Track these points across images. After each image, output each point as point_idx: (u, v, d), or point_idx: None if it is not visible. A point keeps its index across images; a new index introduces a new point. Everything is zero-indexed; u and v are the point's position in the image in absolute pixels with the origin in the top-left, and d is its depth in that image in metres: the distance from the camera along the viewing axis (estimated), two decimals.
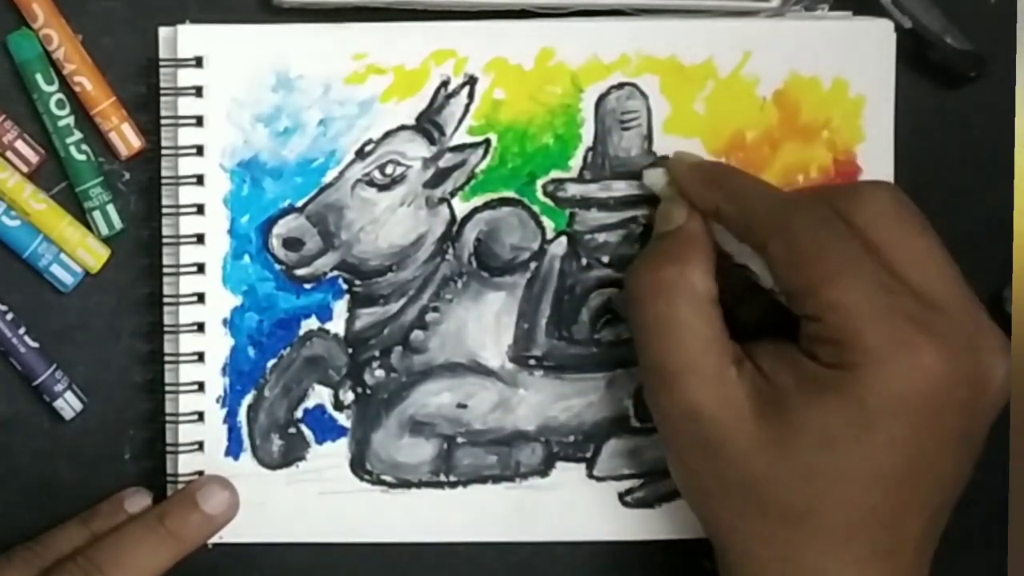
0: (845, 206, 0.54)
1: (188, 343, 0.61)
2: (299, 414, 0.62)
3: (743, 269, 0.56)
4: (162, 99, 0.61)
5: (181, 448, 0.61)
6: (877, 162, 0.62)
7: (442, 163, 0.61)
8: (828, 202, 0.54)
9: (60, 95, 0.61)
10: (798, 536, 0.52)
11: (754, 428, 0.53)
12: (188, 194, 0.61)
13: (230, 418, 0.62)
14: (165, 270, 0.61)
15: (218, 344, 0.61)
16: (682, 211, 0.57)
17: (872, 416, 0.50)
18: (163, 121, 0.61)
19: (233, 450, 0.62)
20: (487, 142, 0.61)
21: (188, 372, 0.61)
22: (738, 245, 0.56)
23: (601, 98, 0.61)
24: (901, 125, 0.62)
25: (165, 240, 0.61)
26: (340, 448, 0.62)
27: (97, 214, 0.61)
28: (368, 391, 0.62)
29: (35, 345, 0.62)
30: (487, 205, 0.62)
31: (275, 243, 0.61)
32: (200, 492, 0.61)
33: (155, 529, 0.60)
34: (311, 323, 0.62)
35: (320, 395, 0.62)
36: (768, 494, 0.52)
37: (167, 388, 0.62)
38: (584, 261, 0.62)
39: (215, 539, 0.62)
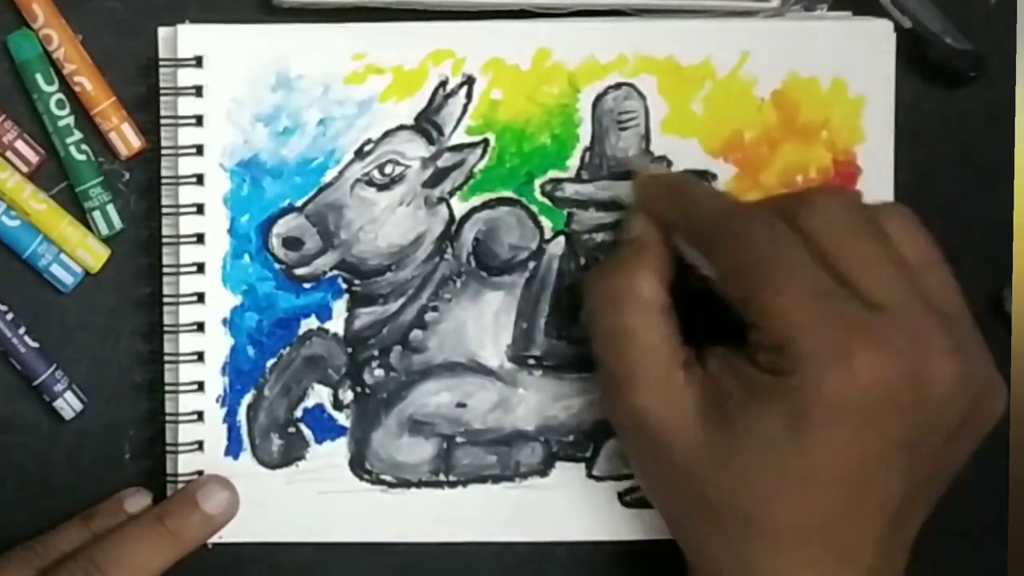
0: (795, 213, 0.53)
1: (188, 343, 0.61)
2: (299, 414, 0.62)
3: (707, 280, 0.56)
4: (162, 99, 0.61)
5: (181, 448, 0.62)
6: (877, 162, 0.62)
7: (441, 163, 0.61)
8: (778, 209, 0.54)
9: (60, 95, 0.61)
10: (748, 540, 0.52)
11: (698, 431, 0.53)
12: (188, 194, 0.61)
13: (230, 418, 0.62)
14: (165, 270, 0.61)
15: (218, 344, 0.61)
16: (640, 222, 0.58)
17: (808, 421, 0.50)
18: (163, 121, 0.61)
19: (233, 450, 0.62)
20: (485, 142, 0.61)
21: (188, 372, 0.61)
22: (699, 256, 0.56)
23: (598, 98, 0.61)
24: (901, 125, 0.62)
25: (165, 240, 0.61)
26: (339, 448, 0.62)
27: (97, 214, 0.62)
28: (367, 391, 0.62)
29: (35, 345, 0.62)
30: (485, 205, 0.62)
31: (275, 243, 0.61)
32: (200, 492, 0.61)
33: (155, 529, 0.60)
34: (311, 322, 0.62)
35: (319, 395, 0.62)
36: (716, 498, 0.53)
37: (167, 388, 0.62)
38: (582, 260, 0.62)
39: (215, 539, 0.62)
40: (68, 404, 0.62)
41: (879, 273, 0.52)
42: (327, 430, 0.62)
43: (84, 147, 0.61)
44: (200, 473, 0.62)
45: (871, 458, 0.51)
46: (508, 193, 0.62)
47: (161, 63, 0.61)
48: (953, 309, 0.54)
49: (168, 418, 0.62)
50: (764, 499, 0.52)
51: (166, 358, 0.62)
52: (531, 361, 0.62)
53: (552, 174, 0.62)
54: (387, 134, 0.61)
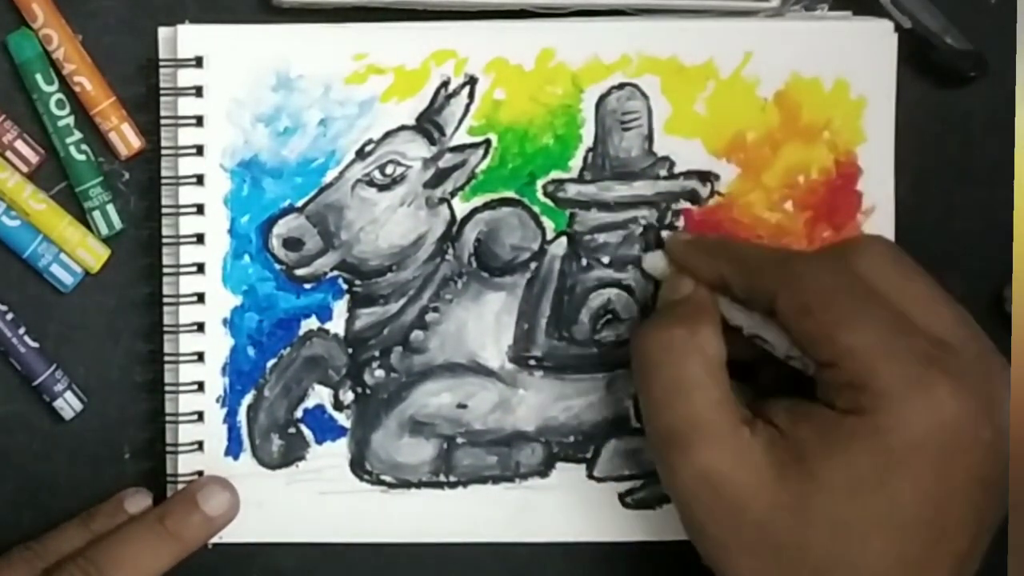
0: (845, 256, 0.54)
1: (188, 343, 0.61)
2: (299, 414, 0.62)
3: (754, 339, 0.56)
4: (162, 99, 0.61)
5: (181, 448, 0.61)
6: (878, 162, 0.62)
7: (442, 163, 0.61)
8: (828, 254, 0.55)
9: (60, 95, 0.61)
10: None
11: (775, 487, 0.52)
12: (188, 194, 0.61)
13: (230, 418, 0.62)
14: (165, 270, 0.61)
15: (218, 344, 0.61)
16: (688, 283, 0.58)
17: (895, 457, 0.50)
18: (163, 121, 0.61)
19: (233, 450, 0.62)
20: (487, 142, 0.61)
21: (188, 372, 0.61)
22: (747, 316, 0.56)
23: (602, 98, 0.61)
24: (901, 125, 0.62)
25: (165, 240, 0.61)
26: (340, 448, 0.62)
27: (97, 214, 0.61)
28: (368, 391, 0.62)
29: (35, 345, 0.62)
30: (487, 205, 0.62)
31: (275, 243, 0.61)
32: (201, 492, 0.61)
33: (156, 530, 0.60)
34: (311, 323, 0.62)
35: (320, 395, 0.62)
36: (794, 553, 0.51)
37: (167, 388, 0.62)
38: (584, 261, 0.62)
39: (215, 539, 0.62)
40: (68, 404, 0.62)
41: (939, 310, 0.53)
42: (327, 431, 0.62)
43: (84, 147, 0.61)
44: (200, 473, 0.62)
45: (950, 495, 0.50)
46: (510, 194, 0.61)
47: (161, 63, 0.61)
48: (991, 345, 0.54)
49: (168, 418, 0.62)
50: (849, 547, 0.51)
51: (166, 358, 0.61)
52: (532, 362, 0.62)
53: (554, 175, 0.61)
54: (388, 134, 0.61)
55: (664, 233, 0.62)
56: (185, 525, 0.60)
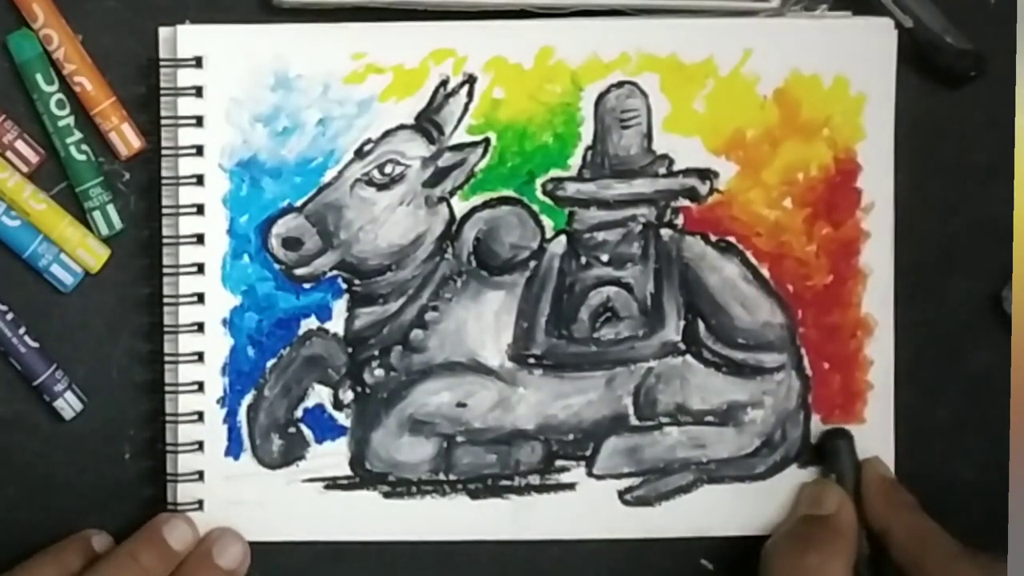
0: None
1: (188, 343, 0.61)
2: (299, 413, 0.62)
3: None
4: (162, 99, 0.61)
5: (181, 448, 0.61)
6: (877, 160, 0.62)
7: (441, 162, 0.61)
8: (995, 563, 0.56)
9: (60, 95, 0.61)
10: None
11: None
12: (188, 194, 0.61)
13: (230, 418, 0.62)
14: (165, 270, 0.61)
15: (218, 344, 0.61)
16: (835, 499, 0.60)
17: None
18: (163, 121, 0.61)
19: (233, 450, 0.62)
20: (486, 141, 0.61)
21: (188, 372, 0.61)
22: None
23: (601, 96, 0.61)
24: (901, 124, 0.62)
25: (165, 240, 0.61)
26: (340, 447, 0.62)
27: (97, 214, 0.62)
28: (368, 390, 0.62)
29: (35, 345, 0.62)
30: (486, 204, 0.62)
31: (274, 243, 0.61)
32: (215, 546, 0.61)
33: None
34: (310, 323, 0.62)
35: (320, 394, 0.62)
36: None
37: (167, 388, 0.62)
38: (583, 260, 0.62)
39: None
40: (68, 404, 0.62)
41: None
42: (327, 430, 0.62)
43: (84, 147, 0.61)
44: (200, 474, 0.61)
45: None
46: (509, 192, 0.61)
47: (161, 63, 0.61)
48: None
49: (168, 418, 0.62)
50: None
51: (166, 358, 0.62)
52: (531, 360, 0.62)
53: (554, 173, 0.61)
54: (387, 133, 0.61)
55: (662, 229, 0.62)
56: None
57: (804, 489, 0.62)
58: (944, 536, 0.59)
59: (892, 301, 0.63)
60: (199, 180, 0.61)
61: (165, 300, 0.61)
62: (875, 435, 0.63)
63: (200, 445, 0.62)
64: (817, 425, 0.63)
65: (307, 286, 0.62)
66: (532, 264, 0.62)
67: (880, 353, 0.63)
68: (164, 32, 0.61)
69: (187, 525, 0.61)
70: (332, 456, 0.62)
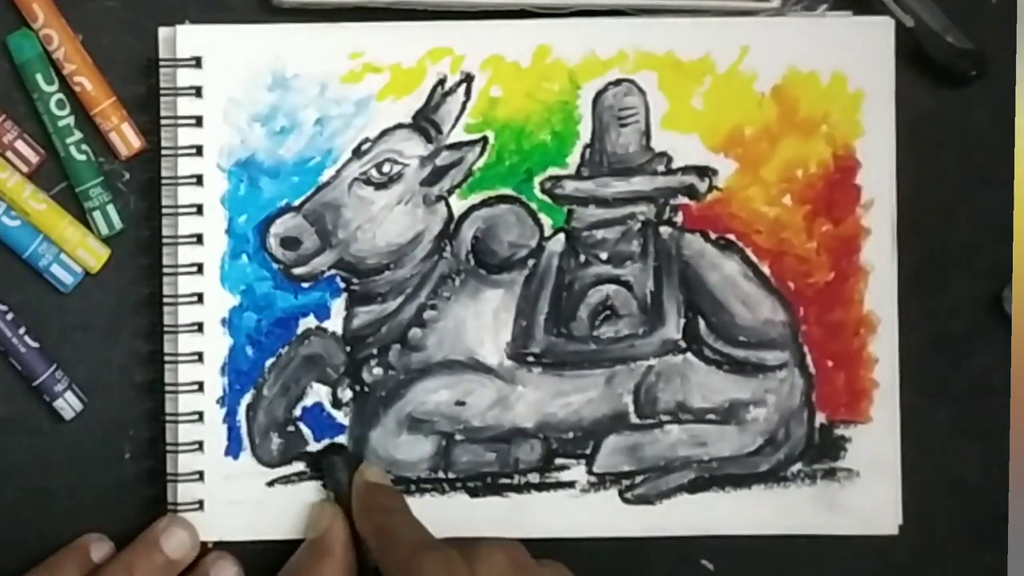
0: (469, 560, 0.55)
1: (187, 343, 0.61)
2: (298, 412, 0.62)
3: None
4: (162, 99, 0.61)
5: (181, 448, 0.61)
6: (876, 156, 0.62)
7: (439, 161, 0.61)
8: (458, 553, 0.55)
9: (60, 95, 0.61)
10: None
11: None
12: (187, 194, 0.61)
13: (229, 417, 0.62)
14: (164, 270, 0.61)
15: (217, 344, 0.61)
16: (326, 518, 0.61)
17: None
18: (163, 121, 0.61)
19: (233, 449, 0.62)
20: (484, 140, 0.61)
21: (187, 372, 0.61)
22: None
23: (599, 95, 0.61)
24: (902, 124, 0.62)
25: (164, 240, 0.61)
26: None
27: (97, 214, 0.62)
28: (366, 389, 0.62)
29: (35, 345, 0.62)
30: (484, 203, 0.62)
31: (273, 242, 0.61)
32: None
33: None
34: (309, 322, 0.62)
35: (318, 393, 0.62)
36: None
37: (167, 388, 0.62)
38: (582, 258, 0.62)
39: (215, 538, 0.62)
40: (68, 404, 0.62)
41: None
42: (326, 429, 0.62)
43: (84, 147, 0.61)
44: (200, 474, 0.61)
45: None
46: (507, 191, 0.61)
47: (161, 63, 0.61)
48: None
49: (168, 418, 0.62)
50: None
51: (166, 358, 0.62)
52: (530, 358, 0.62)
53: (552, 171, 0.61)
54: (385, 133, 0.61)
55: (662, 227, 0.62)
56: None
57: (309, 512, 0.62)
58: (408, 530, 0.59)
59: (895, 299, 0.63)
60: (198, 180, 0.61)
61: (165, 300, 0.61)
62: (882, 433, 0.63)
63: (200, 445, 0.62)
64: (823, 423, 0.63)
65: (305, 285, 0.62)
66: (531, 262, 0.62)
67: (884, 351, 0.62)
68: (164, 32, 0.61)
69: (185, 532, 0.61)
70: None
